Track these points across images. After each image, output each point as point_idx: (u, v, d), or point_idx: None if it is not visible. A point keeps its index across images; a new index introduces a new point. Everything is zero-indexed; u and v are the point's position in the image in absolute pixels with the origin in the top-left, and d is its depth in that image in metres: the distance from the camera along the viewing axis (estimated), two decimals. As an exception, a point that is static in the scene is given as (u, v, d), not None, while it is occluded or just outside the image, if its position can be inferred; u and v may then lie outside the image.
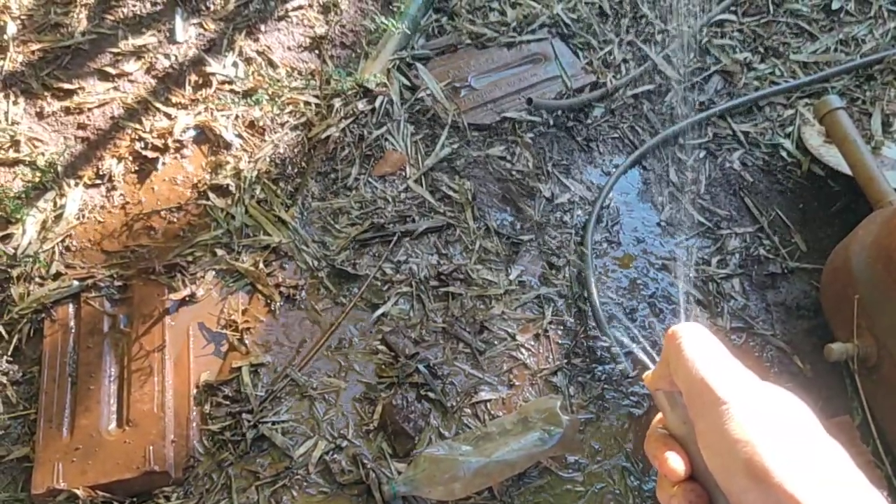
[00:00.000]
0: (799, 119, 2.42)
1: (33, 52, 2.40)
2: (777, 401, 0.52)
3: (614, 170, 2.27)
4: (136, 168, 2.19)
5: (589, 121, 2.39)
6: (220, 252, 2.01)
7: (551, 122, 2.34)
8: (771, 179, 2.31)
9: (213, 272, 1.98)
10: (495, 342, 1.92)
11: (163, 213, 2.09)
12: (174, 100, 2.32)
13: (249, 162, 2.18)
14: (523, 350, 1.91)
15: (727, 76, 2.54)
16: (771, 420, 0.50)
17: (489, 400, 1.83)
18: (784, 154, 2.36)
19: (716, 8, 2.70)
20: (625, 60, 2.55)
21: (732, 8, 2.73)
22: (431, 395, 1.81)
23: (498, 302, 1.98)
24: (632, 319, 1.99)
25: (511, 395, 1.84)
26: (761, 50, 2.62)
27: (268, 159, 2.19)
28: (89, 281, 1.92)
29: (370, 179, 2.17)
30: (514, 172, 2.22)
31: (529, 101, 2.31)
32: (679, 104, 2.45)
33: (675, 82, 2.49)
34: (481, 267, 2.04)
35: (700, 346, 0.55)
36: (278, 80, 2.36)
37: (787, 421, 0.51)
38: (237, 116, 2.27)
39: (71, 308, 1.89)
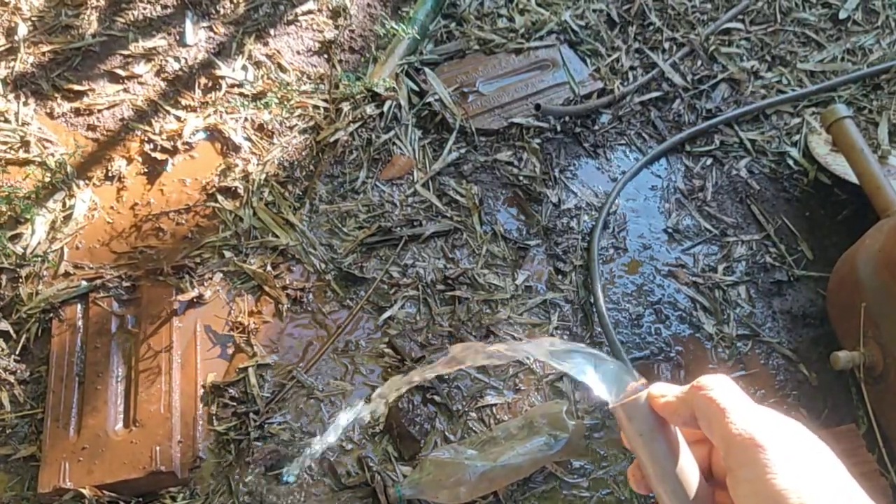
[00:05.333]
0: (806, 128, 2.43)
1: (44, 54, 2.42)
2: (813, 447, 0.55)
3: (621, 176, 2.27)
4: (146, 169, 2.20)
5: (596, 127, 2.39)
6: (227, 254, 2.02)
7: (559, 128, 2.35)
8: (777, 187, 2.32)
9: (221, 274, 1.99)
10: (501, 347, 1.92)
11: (171, 214, 2.10)
12: (184, 102, 2.34)
13: (258, 165, 2.19)
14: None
15: (734, 84, 2.55)
16: (815, 470, 0.52)
17: (495, 404, 1.83)
18: (791, 162, 2.36)
19: (723, 16, 2.70)
20: (632, 67, 2.56)
21: (740, 16, 2.74)
22: (437, 398, 1.81)
23: (504, 306, 1.98)
24: (637, 325, 2.00)
25: (517, 399, 1.84)
26: (768, 58, 2.62)
27: (276, 162, 2.20)
28: (98, 281, 1.93)
29: (378, 183, 2.18)
30: (521, 178, 2.23)
31: (537, 106, 2.31)
32: (686, 112, 2.46)
33: (682, 90, 2.50)
34: (488, 271, 2.04)
35: (731, 395, 0.57)
36: (287, 84, 2.37)
37: (829, 471, 0.53)
38: (246, 119, 2.28)
39: (79, 308, 1.90)
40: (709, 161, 2.36)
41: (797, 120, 2.46)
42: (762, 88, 2.54)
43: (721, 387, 0.57)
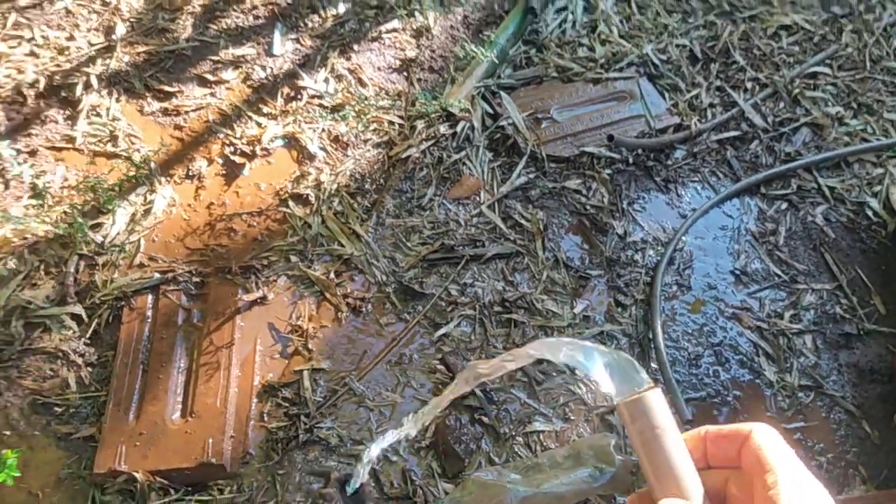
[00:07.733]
0: (888, 179, 2.35)
1: (139, 54, 2.53)
2: None
3: (691, 213, 2.24)
4: (224, 171, 2.28)
5: (669, 162, 2.37)
6: (294, 258, 2.07)
7: (630, 160, 2.33)
8: (854, 237, 2.25)
9: (286, 277, 2.04)
10: (553, 374, 1.91)
11: (244, 216, 2.17)
12: (266, 109, 2.41)
13: (331, 175, 2.24)
14: (581, 385, 1.90)
15: (817, 129, 2.49)
16: None
17: (542, 431, 1.82)
18: (870, 213, 2.29)
19: (810, 59, 2.65)
20: (711, 105, 2.53)
21: (828, 61, 2.68)
22: (485, 419, 1.81)
23: (560, 334, 1.97)
24: (696, 366, 1.96)
25: (565, 428, 1.83)
26: (854, 105, 2.56)
27: (348, 173, 2.25)
28: (169, 274, 2.00)
29: (445, 201, 2.21)
30: (588, 207, 2.22)
31: (610, 137, 2.31)
32: (764, 153, 2.42)
33: (761, 131, 2.46)
34: (546, 297, 2.04)
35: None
36: (366, 99, 2.42)
37: None
38: (323, 130, 2.34)
39: (150, 298, 1.97)
40: (784, 205, 2.31)
41: (880, 170, 2.39)
42: (845, 135, 2.47)
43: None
